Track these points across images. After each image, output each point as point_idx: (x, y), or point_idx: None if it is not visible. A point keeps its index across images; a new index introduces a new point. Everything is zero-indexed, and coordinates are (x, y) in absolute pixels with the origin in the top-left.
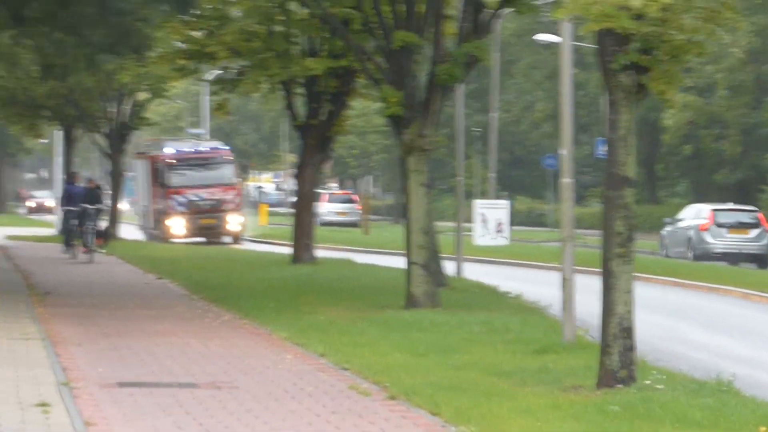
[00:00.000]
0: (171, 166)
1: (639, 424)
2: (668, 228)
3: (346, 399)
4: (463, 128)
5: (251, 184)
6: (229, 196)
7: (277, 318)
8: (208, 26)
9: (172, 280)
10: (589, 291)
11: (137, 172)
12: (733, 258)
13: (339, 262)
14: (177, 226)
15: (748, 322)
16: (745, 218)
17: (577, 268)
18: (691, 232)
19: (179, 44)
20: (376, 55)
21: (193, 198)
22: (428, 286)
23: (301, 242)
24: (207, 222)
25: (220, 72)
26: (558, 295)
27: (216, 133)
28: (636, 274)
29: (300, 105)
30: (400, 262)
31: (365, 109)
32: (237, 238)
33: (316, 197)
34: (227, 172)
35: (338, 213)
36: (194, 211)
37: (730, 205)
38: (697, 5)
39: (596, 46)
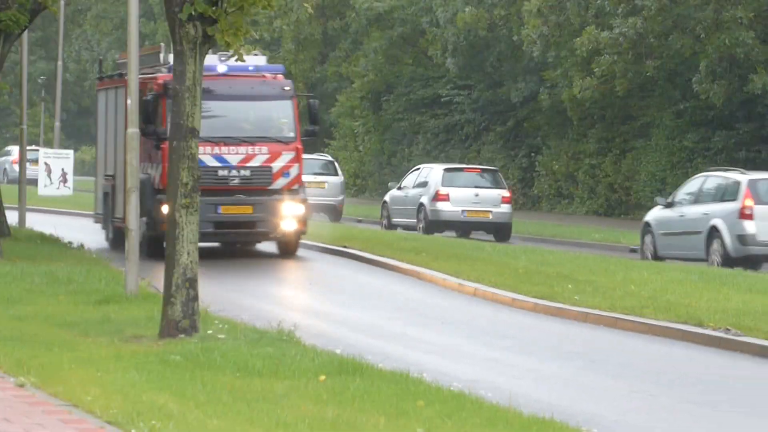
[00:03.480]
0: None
1: (200, 373)
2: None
3: None
4: (27, 76)
5: None
6: (280, 162)
7: None
8: None
9: None
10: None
11: (100, 116)
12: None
13: None
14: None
15: (313, 273)
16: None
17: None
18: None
19: None
20: None
21: (213, 163)
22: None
23: None
24: (236, 211)
25: None
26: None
27: None
28: None
29: None
30: None
31: None
32: (293, 244)
33: None
34: (281, 117)
35: None
36: (212, 189)
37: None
38: None
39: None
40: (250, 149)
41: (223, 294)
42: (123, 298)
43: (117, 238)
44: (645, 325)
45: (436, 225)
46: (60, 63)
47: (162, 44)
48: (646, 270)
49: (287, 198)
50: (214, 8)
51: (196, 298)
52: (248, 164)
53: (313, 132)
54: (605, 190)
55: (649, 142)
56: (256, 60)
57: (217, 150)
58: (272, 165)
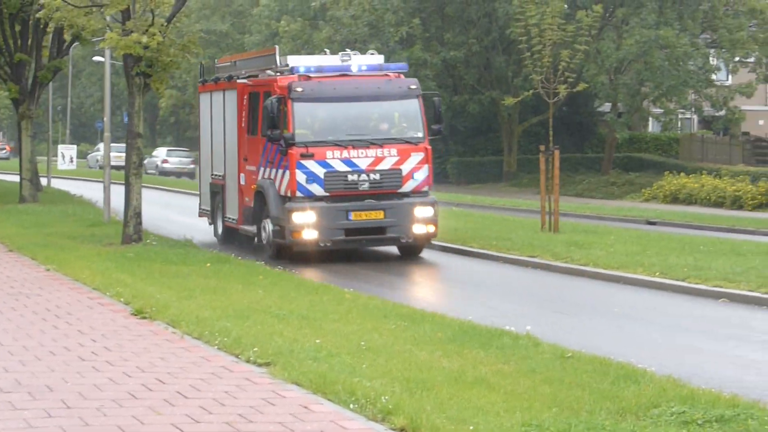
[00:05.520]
0: (299, 99)
1: (142, 263)
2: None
3: None
4: (51, 106)
5: None
6: (410, 164)
7: None
8: None
9: None
10: (119, 194)
11: (203, 118)
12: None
13: None
14: (309, 223)
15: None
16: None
17: (114, 181)
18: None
19: None
20: (4, 65)
21: (342, 168)
22: (32, 191)
23: None
24: (368, 217)
25: None
26: (101, 195)
27: None
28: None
29: None
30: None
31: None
32: (420, 248)
33: None
34: (409, 117)
35: None
36: (342, 194)
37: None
38: (177, 42)
39: (122, 62)
40: (379, 151)
41: (155, 222)
42: (102, 223)
43: (228, 236)
44: None
45: None
46: (69, 99)
47: (276, 46)
48: None
49: (418, 201)
50: (150, 69)
51: (140, 223)
52: (378, 167)
53: (439, 131)
54: None
55: None
56: (373, 59)
57: (345, 154)
58: (402, 167)
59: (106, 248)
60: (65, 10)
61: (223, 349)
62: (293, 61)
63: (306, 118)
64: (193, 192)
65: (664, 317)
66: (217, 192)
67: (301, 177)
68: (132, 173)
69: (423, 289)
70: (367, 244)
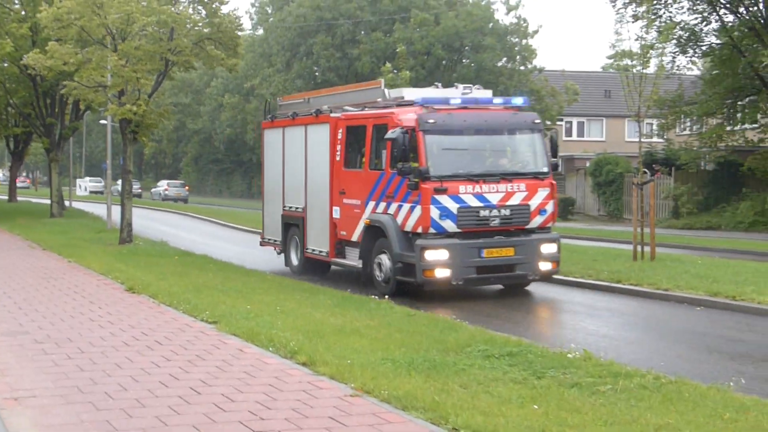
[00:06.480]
0: (430, 131)
1: (133, 256)
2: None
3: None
4: (71, 153)
5: None
6: (537, 199)
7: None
8: None
9: None
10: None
11: (273, 150)
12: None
13: None
14: (442, 261)
15: (182, 221)
16: None
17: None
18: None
19: None
20: (39, 126)
21: (474, 203)
22: (59, 210)
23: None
24: (499, 254)
25: None
26: (105, 212)
27: None
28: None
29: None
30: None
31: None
32: (545, 278)
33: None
34: (536, 152)
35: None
36: (473, 230)
37: None
38: (155, 111)
39: (119, 124)
40: (509, 186)
41: (143, 230)
42: (105, 230)
43: (308, 267)
44: None
45: None
46: (83, 148)
47: (381, 80)
48: None
49: (544, 237)
50: (137, 128)
51: (131, 230)
52: (508, 203)
53: (556, 165)
54: None
55: None
56: (482, 94)
57: (478, 188)
58: (530, 203)
59: (108, 247)
60: (81, 89)
61: (186, 312)
62: (409, 94)
63: (436, 151)
64: (178, 211)
65: None
66: (292, 224)
67: (434, 212)
68: (125, 197)
69: (571, 332)
70: (495, 282)
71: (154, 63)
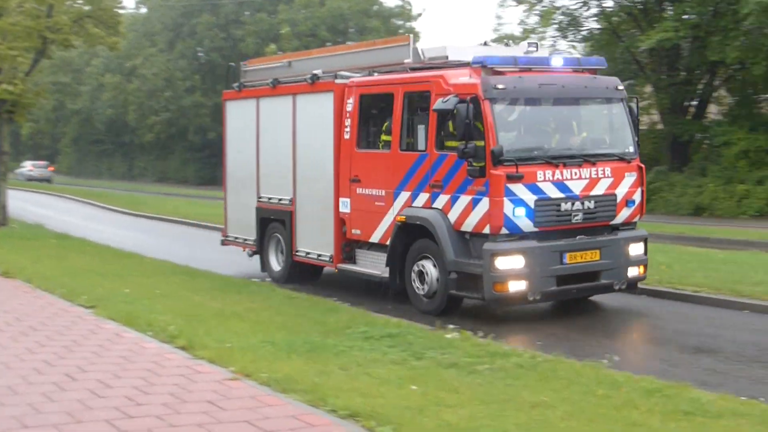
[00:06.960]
0: (500, 100)
1: (7, 239)
2: None
3: None
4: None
5: None
6: (624, 187)
7: None
8: None
9: None
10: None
11: (242, 126)
12: None
13: None
14: (518, 270)
15: (72, 207)
16: None
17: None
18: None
19: None
20: None
21: (554, 194)
22: None
23: None
24: (583, 258)
25: None
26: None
27: None
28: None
29: None
30: None
31: None
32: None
33: None
34: (617, 127)
35: None
36: (551, 229)
37: None
38: (33, 90)
39: None
40: (593, 171)
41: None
42: None
43: (295, 273)
44: None
45: None
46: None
47: (410, 35)
48: None
49: (631, 236)
50: (14, 108)
51: (6, 213)
52: (591, 192)
53: (637, 144)
54: None
55: None
56: (564, 55)
57: (558, 175)
58: (616, 191)
59: None
60: None
61: (63, 297)
62: (455, 53)
63: (507, 127)
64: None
65: None
66: (274, 219)
67: (508, 207)
68: (0, 178)
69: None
70: (578, 295)
71: (31, 40)
